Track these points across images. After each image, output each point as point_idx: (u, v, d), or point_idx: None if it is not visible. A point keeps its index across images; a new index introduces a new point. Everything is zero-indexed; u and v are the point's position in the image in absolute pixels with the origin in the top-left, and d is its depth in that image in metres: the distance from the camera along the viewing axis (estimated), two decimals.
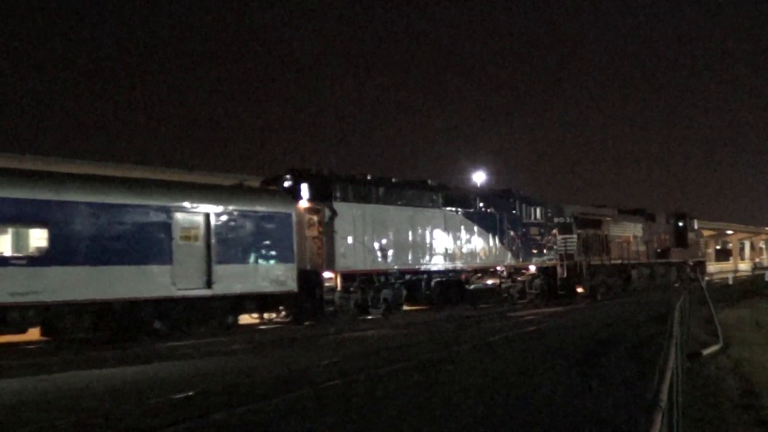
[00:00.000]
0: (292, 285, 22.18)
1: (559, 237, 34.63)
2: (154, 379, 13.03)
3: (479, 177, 43.86)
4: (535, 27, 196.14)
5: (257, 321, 23.26)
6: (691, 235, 47.35)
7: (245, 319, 23.19)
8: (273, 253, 21.86)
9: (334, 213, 23.48)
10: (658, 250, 43.79)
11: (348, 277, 23.93)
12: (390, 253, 25.28)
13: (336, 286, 23.42)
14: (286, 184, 23.90)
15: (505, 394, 11.10)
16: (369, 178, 25.79)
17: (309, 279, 23.03)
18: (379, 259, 24.86)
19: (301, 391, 11.36)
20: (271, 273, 21.75)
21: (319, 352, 16.32)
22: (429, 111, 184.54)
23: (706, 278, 54.97)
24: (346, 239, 23.76)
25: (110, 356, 16.17)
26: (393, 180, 26.91)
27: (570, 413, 9.87)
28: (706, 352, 16.53)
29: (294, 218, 22.52)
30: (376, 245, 24.82)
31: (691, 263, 48.16)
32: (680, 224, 46.57)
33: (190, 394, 11.22)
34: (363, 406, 10.29)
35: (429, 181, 28.57)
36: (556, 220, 34.88)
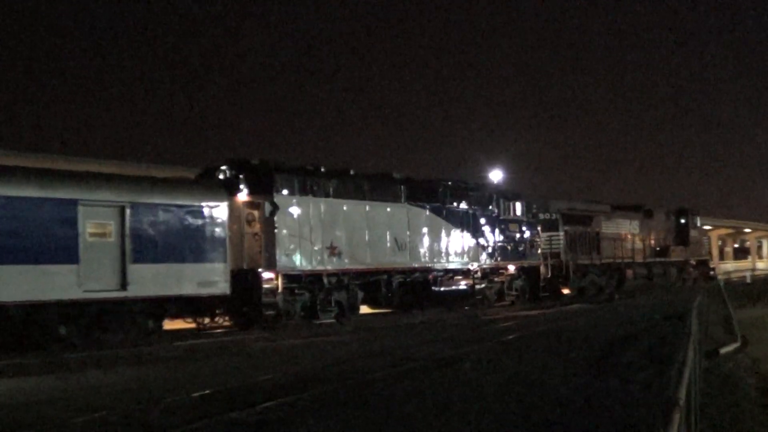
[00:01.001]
0: (223, 287, 20.07)
1: (544, 234, 32.43)
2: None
3: (496, 175, 40.99)
4: (534, 24, 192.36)
5: (194, 327, 21.30)
6: (693, 233, 44.54)
7: (180, 324, 21.26)
8: (202, 251, 19.77)
9: (275, 207, 21.37)
10: (657, 249, 41.18)
11: (292, 278, 21.81)
12: (343, 251, 23.13)
13: (277, 288, 21.32)
14: (223, 175, 21.80)
15: None
16: (323, 170, 23.68)
17: (246, 280, 20.97)
18: (329, 258, 22.72)
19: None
20: (198, 273, 19.65)
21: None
22: (428, 110, 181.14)
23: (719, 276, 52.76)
24: (289, 236, 21.63)
25: None
26: (351, 172, 24.79)
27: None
28: (723, 350, 16.44)
29: (227, 213, 20.45)
30: (327, 243, 22.69)
31: (693, 262, 45.41)
32: (681, 221, 43.69)
33: None
34: None
35: (394, 174, 26.43)
36: (540, 216, 32.70)
